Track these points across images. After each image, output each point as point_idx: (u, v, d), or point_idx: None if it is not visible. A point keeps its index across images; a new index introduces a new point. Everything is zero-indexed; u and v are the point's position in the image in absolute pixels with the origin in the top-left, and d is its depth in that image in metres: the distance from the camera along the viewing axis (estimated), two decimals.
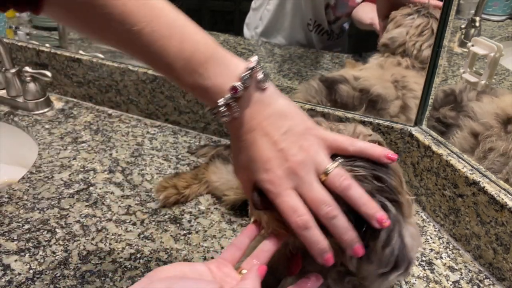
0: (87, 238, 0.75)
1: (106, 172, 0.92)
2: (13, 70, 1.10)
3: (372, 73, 0.98)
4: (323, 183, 0.46)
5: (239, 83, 0.46)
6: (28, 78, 1.08)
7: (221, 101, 0.47)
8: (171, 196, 0.83)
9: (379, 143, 0.51)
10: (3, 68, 1.10)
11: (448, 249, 0.78)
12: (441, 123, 0.87)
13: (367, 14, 1.05)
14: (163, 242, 0.75)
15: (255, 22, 1.16)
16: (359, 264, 0.48)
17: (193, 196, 0.86)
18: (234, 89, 0.46)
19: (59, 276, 0.67)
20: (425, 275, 0.72)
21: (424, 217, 0.85)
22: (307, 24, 1.10)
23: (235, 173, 0.53)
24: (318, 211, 0.45)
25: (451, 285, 0.71)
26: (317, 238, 0.45)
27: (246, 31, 1.19)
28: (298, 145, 0.47)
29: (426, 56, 0.94)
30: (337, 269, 0.52)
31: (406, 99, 0.94)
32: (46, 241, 0.74)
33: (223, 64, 0.48)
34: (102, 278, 0.67)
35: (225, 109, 0.47)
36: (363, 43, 1.15)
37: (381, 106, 0.94)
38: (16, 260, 0.70)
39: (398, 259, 0.47)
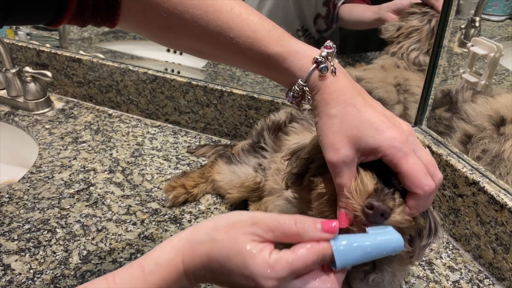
0: (87, 238, 0.75)
1: (106, 172, 0.92)
2: (14, 70, 1.10)
3: (375, 75, 0.98)
4: None
5: (326, 50, 0.47)
6: (29, 78, 1.08)
7: (319, 57, 0.46)
8: (180, 196, 0.84)
9: None
10: (4, 68, 1.10)
11: (448, 249, 0.78)
12: (439, 123, 0.88)
13: (368, 12, 1.04)
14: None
15: None
16: (414, 243, 0.50)
17: (201, 195, 0.87)
18: (327, 47, 0.47)
19: (59, 276, 0.67)
20: (425, 275, 0.72)
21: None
22: (296, 30, 1.10)
23: (324, 137, 0.46)
24: (436, 174, 0.45)
25: (451, 285, 0.71)
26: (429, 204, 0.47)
27: None
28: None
29: (413, 58, 0.94)
30: (362, 269, 0.52)
31: (407, 103, 0.93)
32: (46, 241, 0.74)
33: (299, 41, 0.49)
34: None
35: (325, 60, 0.46)
36: (355, 44, 1.15)
37: None
38: (16, 260, 0.70)
39: (435, 225, 0.50)
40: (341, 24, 1.07)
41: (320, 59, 0.46)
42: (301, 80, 0.47)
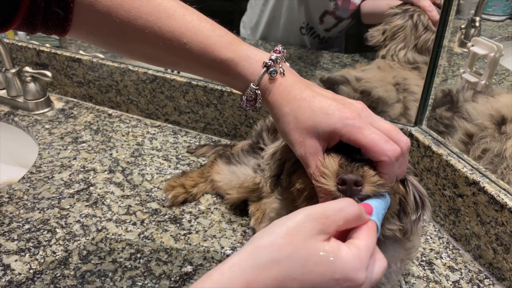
0: (87, 238, 0.75)
1: (106, 172, 0.92)
2: (14, 70, 1.10)
3: (374, 75, 0.98)
4: None
5: (275, 54, 0.49)
6: (28, 78, 1.08)
7: (268, 61, 0.49)
8: (179, 195, 0.84)
9: None
10: (4, 68, 1.10)
11: (448, 249, 0.78)
12: (440, 123, 0.88)
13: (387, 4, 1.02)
14: (163, 242, 0.75)
15: (251, 21, 1.16)
16: (401, 220, 0.52)
17: (201, 195, 0.87)
18: (276, 51, 0.49)
19: (59, 276, 0.67)
20: (425, 275, 0.72)
21: (424, 217, 0.85)
22: (300, 27, 1.10)
23: (287, 136, 0.49)
24: (401, 138, 0.47)
25: (451, 285, 0.71)
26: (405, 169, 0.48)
27: (242, 30, 1.19)
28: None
29: (402, 57, 0.94)
30: None
31: (407, 102, 0.93)
32: (46, 241, 0.74)
33: (250, 46, 0.51)
34: (102, 278, 0.67)
35: (274, 64, 0.49)
36: (361, 43, 1.14)
37: (382, 109, 0.94)
38: (16, 260, 0.70)
39: (421, 199, 0.52)
40: (363, 20, 1.06)
41: (269, 63, 0.49)
42: (253, 84, 0.49)
